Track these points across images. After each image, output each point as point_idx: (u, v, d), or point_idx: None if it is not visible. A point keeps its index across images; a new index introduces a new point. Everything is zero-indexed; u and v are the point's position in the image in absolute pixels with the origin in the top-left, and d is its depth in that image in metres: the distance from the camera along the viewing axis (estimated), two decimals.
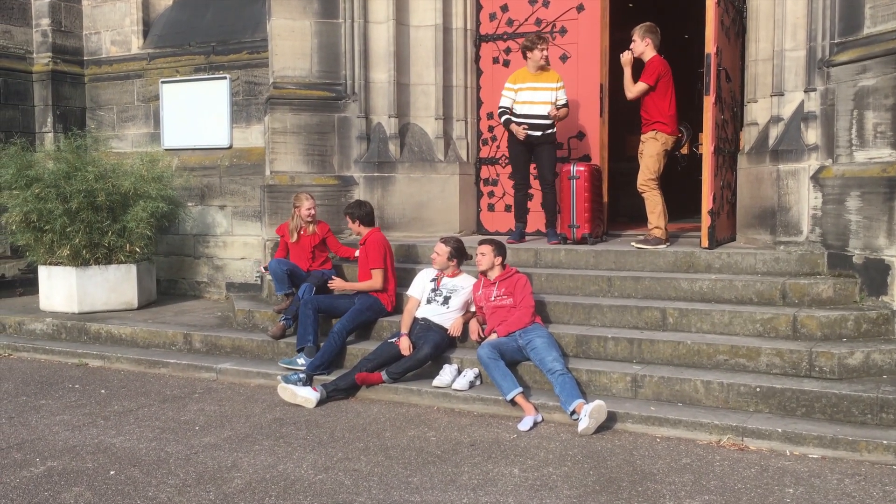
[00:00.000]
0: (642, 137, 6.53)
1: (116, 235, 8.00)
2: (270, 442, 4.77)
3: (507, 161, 8.08)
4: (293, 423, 5.14)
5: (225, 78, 8.91)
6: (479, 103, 8.30)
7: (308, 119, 7.80)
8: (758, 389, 4.75)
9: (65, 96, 9.68)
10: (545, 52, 6.98)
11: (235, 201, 8.88)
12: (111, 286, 8.04)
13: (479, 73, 8.27)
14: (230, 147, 8.96)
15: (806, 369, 4.90)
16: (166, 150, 9.25)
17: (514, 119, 7.05)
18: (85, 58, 9.90)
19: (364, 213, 6.58)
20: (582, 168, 6.90)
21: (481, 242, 5.75)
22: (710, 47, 6.00)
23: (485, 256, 5.69)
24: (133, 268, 8.13)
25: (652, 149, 6.38)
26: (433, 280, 6.00)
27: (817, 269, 5.73)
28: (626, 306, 5.71)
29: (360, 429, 4.99)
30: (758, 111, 6.51)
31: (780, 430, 4.42)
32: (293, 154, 7.79)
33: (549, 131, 7.15)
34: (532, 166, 7.54)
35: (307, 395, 5.46)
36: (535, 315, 5.58)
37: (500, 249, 5.70)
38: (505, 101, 7.10)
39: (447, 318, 5.83)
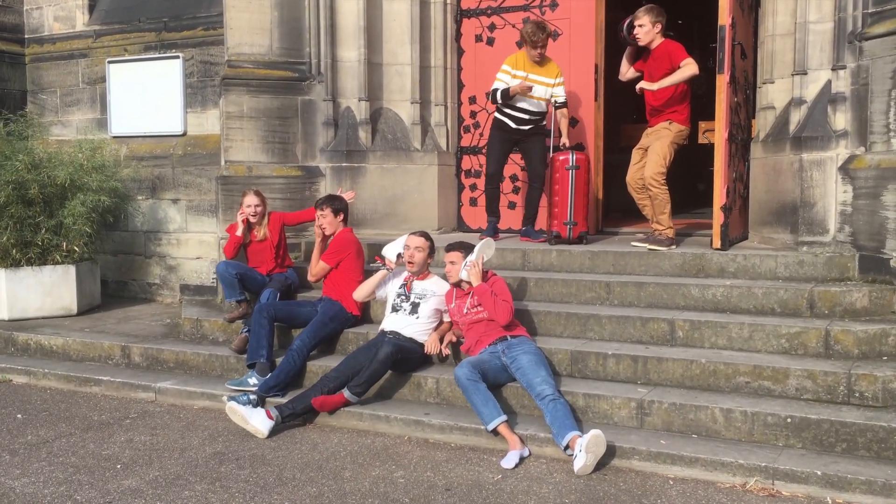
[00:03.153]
0: (650, 128, 5.76)
1: (51, 233, 7.12)
2: (204, 486, 3.94)
3: None
4: (236, 459, 4.31)
5: (178, 57, 8.03)
6: (461, 86, 7.49)
7: (268, 102, 6.95)
8: (788, 420, 3.97)
9: (3, 78, 8.74)
10: (540, 51, 6.30)
11: (190, 194, 8.01)
12: (46, 290, 7.16)
13: (460, 52, 7.45)
14: (184, 134, 8.08)
15: (844, 395, 4.13)
16: (114, 137, 8.36)
17: (505, 111, 6.36)
18: (26, 36, 8.97)
19: (346, 208, 5.86)
20: (581, 157, 6.11)
21: (449, 248, 4.97)
22: (725, 18, 5.21)
23: (455, 266, 4.91)
24: (71, 269, 7.25)
25: (664, 140, 5.60)
26: (402, 284, 5.19)
27: (847, 275, 4.98)
28: (628, 317, 4.93)
29: (314, 466, 4.17)
30: (775, 93, 5.74)
31: (818, 471, 3.65)
32: (251, 141, 6.94)
33: (542, 123, 6.48)
34: (517, 157, 6.78)
35: (258, 426, 4.62)
36: (517, 324, 4.79)
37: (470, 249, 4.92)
38: (498, 85, 6.33)
39: (419, 330, 5.02)
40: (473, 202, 7.44)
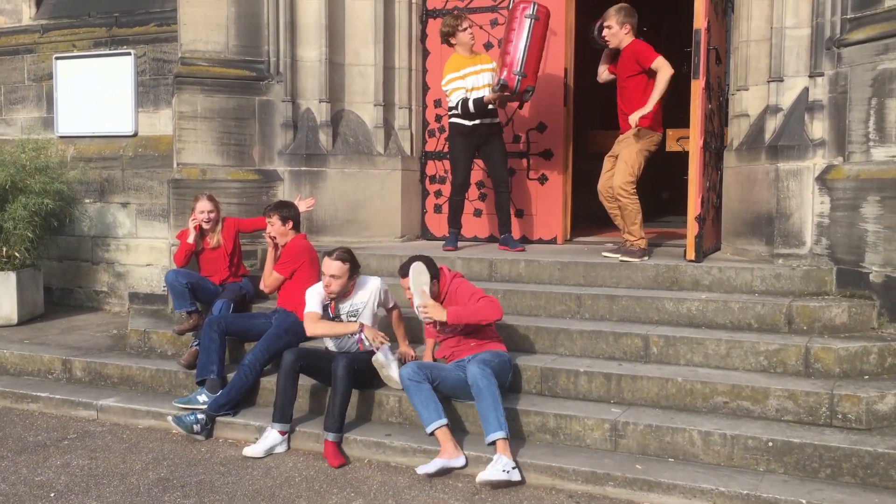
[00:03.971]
0: (622, 135, 5.53)
1: None
2: None
3: None
4: (181, 486, 3.98)
5: (129, 54, 7.64)
6: (426, 88, 7.23)
7: (223, 102, 6.61)
8: (770, 444, 3.78)
9: None
10: (471, 31, 6.09)
11: (141, 198, 7.62)
12: None
13: (425, 53, 7.19)
14: (135, 135, 7.69)
15: (826, 416, 3.95)
16: (60, 137, 7.93)
17: (458, 112, 6.12)
18: None
19: (296, 215, 5.49)
20: (543, 9, 5.84)
21: (403, 272, 4.47)
22: (701, 21, 5.03)
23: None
24: (11, 276, 6.82)
25: (634, 147, 5.38)
26: (325, 306, 4.73)
27: (825, 289, 4.81)
28: (600, 332, 4.70)
29: (266, 495, 3.86)
30: (749, 100, 5.57)
31: (803, 500, 3.46)
32: (205, 143, 6.59)
33: (497, 120, 6.24)
34: (479, 162, 6.52)
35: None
36: (493, 335, 4.53)
37: (431, 271, 4.48)
38: (462, 94, 6.06)
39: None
40: (438, 209, 7.18)
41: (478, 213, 6.99)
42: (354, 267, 4.69)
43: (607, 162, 5.63)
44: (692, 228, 5.17)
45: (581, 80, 6.99)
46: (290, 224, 5.41)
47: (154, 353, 5.73)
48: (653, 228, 8.01)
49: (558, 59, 6.65)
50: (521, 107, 6.40)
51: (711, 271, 5.01)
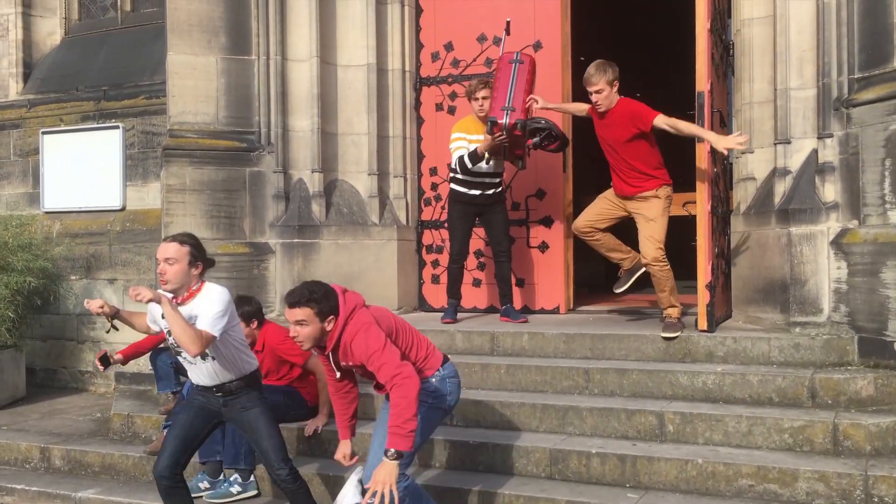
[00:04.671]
0: (633, 196, 5.09)
1: None
2: None
3: None
4: None
5: (117, 127, 7.51)
6: (420, 157, 7.08)
7: (213, 174, 6.43)
8: None
9: None
10: (486, 102, 5.86)
11: (128, 273, 7.38)
12: None
13: (419, 121, 7.07)
14: (123, 209, 7.50)
15: (861, 499, 3.66)
16: (46, 212, 7.74)
17: (459, 178, 5.96)
18: None
19: (259, 309, 4.99)
20: (526, 56, 5.75)
21: (293, 304, 3.38)
22: (703, 84, 4.90)
23: (303, 328, 3.40)
24: None
25: (660, 206, 4.99)
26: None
27: (847, 358, 4.56)
28: (612, 409, 4.43)
29: None
30: (755, 163, 5.42)
31: None
32: (194, 216, 6.39)
33: (501, 189, 6.09)
34: (480, 231, 6.33)
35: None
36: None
37: (326, 302, 3.43)
38: (461, 152, 5.92)
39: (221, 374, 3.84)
40: (436, 279, 6.94)
41: (477, 282, 6.76)
42: (198, 256, 3.82)
43: (602, 202, 5.28)
44: (703, 297, 4.94)
45: (579, 146, 6.86)
46: (255, 323, 4.88)
47: (138, 439, 5.41)
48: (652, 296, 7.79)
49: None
50: (522, 166, 6.03)
51: (726, 342, 4.76)
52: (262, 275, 6.48)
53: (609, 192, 5.28)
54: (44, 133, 7.79)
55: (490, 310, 6.64)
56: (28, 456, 5.40)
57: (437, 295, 6.91)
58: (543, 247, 6.60)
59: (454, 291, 6.17)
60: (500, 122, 5.45)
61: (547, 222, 6.62)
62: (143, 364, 7.11)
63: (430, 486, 4.15)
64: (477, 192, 5.95)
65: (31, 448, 5.40)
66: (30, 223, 7.04)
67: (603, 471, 4.10)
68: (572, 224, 5.32)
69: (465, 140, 5.94)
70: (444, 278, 6.83)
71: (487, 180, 5.96)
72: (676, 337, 4.85)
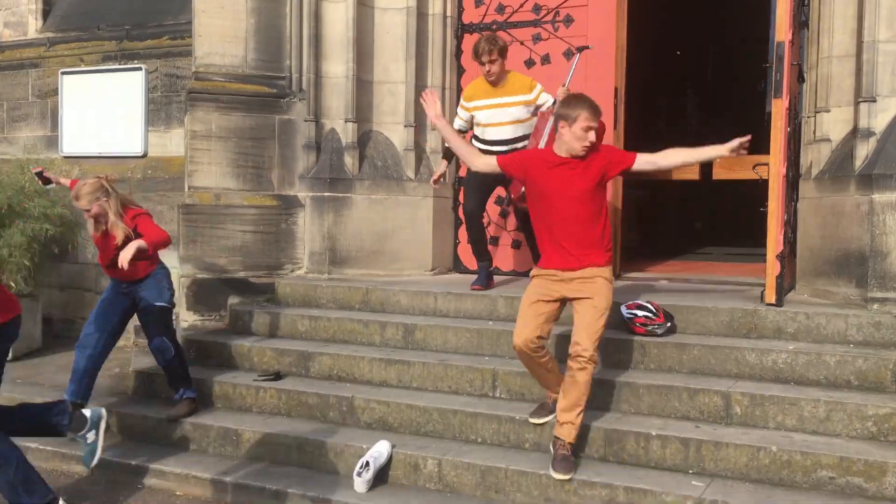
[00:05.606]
0: (573, 271, 3.79)
1: None
2: None
3: None
4: None
5: (140, 69, 7.12)
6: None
7: (240, 121, 6.06)
8: None
9: None
10: (492, 66, 5.25)
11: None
12: None
13: (460, 70, 6.63)
14: (144, 155, 7.15)
15: None
16: (65, 157, 7.40)
17: (476, 145, 5.27)
18: None
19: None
20: None
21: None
22: (784, 33, 4.43)
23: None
24: None
25: (607, 289, 3.79)
26: None
27: None
28: (672, 386, 4.06)
29: None
30: (831, 123, 4.96)
31: None
32: (219, 165, 6.03)
33: (525, 145, 5.27)
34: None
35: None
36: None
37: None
38: (457, 123, 5.50)
39: None
40: None
41: (516, 244, 6.37)
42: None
43: (535, 302, 3.83)
44: (773, 268, 4.53)
45: (633, 102, 6.40)
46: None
47: (158, 399, 5.10)
48: (700, 262, 7.42)
49: (607, 80, 6.04)
50: None
51: (797, 317, 4.35)
52: (290, 229, 6.13)
53: (537, 283, 3.89)
54: (63, 73, 7.41)
55: (495, 272, 6.23)
56: None
57: (472, 256, 6.53)
58: None
59: (480, 252, 5.63)
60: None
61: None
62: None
63: (473, 465, 3.84)
64: (496, 150, 5.20)
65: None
66: (48, 167, 6.67)
67: (663, 454, 3.75)
68: (513, 344, 3.81)
69: (465, 111, 5.46)
70: None
71: (504, 147, 5.23)
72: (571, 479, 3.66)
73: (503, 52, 5.32)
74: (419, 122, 6.42)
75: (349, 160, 6.19)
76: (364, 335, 5.11)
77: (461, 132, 5.39)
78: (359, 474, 3.89)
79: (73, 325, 7.35)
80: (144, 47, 7.22)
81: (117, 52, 7.32)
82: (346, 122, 6.21)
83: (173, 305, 4.87)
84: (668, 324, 4.45)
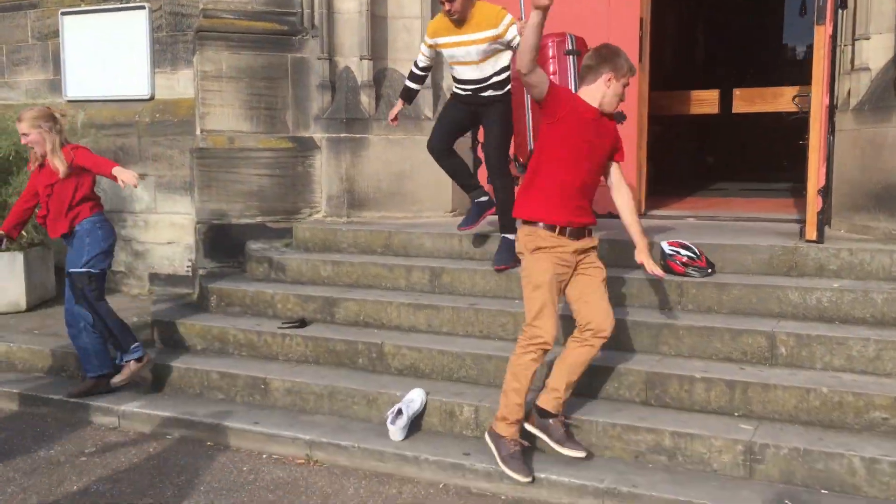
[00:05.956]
0: (578, 241, 3.49)
1: None
2: None
3: None
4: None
5: (143, 7, 6.82)
6: None
7: (251, 60, 5.83)
8: None
9: None
10: (453, 5, 4.44)
11: (160, 169, 6.87)
12: None
13: None
14: (151, 98, 6.91)
15: None
16: (69, 101, 7.16)
17: (455, 88, 4.80)
18: None
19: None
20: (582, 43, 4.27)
21: None
22: None
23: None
24: (18, 257, 6.12)
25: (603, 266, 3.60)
26: None
27: None
28: (713, 328, 3.94)
29: None
30: (871, 51, 4.75)
31: None
32: (231, 107, 5.82)
33: (500, 92, 4.62)
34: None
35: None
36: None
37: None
38: (420, 60, 4.91)
39: None
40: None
41: None
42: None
43: (556, 289, 3.44)
44: (814, 203, 4.38)
45: (659, 33, 6.15)
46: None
47: (181, 348, 5.01)
48: (720, 199, 7.26)
49: (632, 9, 5.80)
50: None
51: (840, 254, 4.22)
52: (306, 172, 5.96)
53: (549, 259, 3.40)
54: (63, 14, 7.12)
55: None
56: (63, 363, 5.04)
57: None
58: None
59: (464, 186, 4.99)
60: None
61: (619, 117, 5.97)
62: (178, 265, 6.75)
63: None
64: (466, 92, 4.73)
65: (67, 355, 5.03)
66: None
67: (708, 397, 3.66)
68: (542, 341, 3.38)
69: (427, 47, 4.81)
70: None
71: (476, 86, 4.67)
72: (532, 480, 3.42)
73: None
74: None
75: (365, 99, 5.98)
76: (389, 280, 4.99)
77: (425, 69, 4.92)
78: (392, 422, 3.81)
79: None
80: None
81: None
82: (360, 59, 5.98)
83: (101, 270, 4.54)
84: (710, 270, 4.31)
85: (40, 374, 5.10)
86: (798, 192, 7.16)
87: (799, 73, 7.66)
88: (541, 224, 3.42)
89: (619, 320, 4.10)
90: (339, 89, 5.99)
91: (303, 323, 4.83)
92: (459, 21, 4.55)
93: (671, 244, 4.40)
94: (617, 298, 4.38)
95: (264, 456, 3.95)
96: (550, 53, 4.16)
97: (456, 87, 4.83)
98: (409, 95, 5.04)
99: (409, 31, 6.15)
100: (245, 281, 5.43)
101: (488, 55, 4.59)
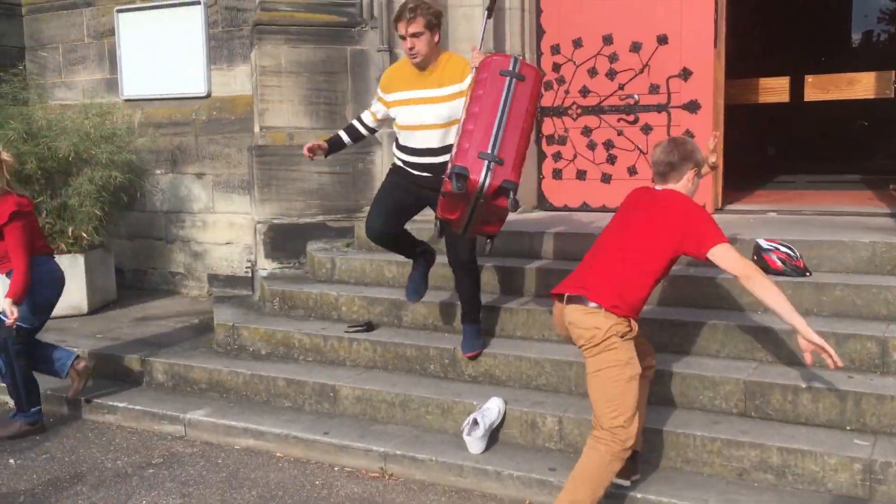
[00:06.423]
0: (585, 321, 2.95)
1: (55, 216, 5.93)
2: None
3: (578, 112, 5.98)
4: None
5: (199, 3, 6.71)
6: (541, 33, 6.13)
7: (310, 54, 5.67)
8: None
9: None
10: (416, 42, 3.68)
11: (217, 167, 6.76)
12: None
13: None
14: (208, 95, 6.80)
15: None
16: (126, 100, 7.10)
17: (397, 155, 4.02)
18: None
19: None
20: (529, 68, 3.49)
21: None
22: None
23: None
24: (80, 259, 6.06)
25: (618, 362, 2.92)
26: None
27: None
28: (818, 332, 3.64)
29: None
30: None
31: None
32: (291, 102, 5.68)
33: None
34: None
35: None
36: None
37: None
38: (365, 118, 4.12)
39: None
40: (557, 174, 6.13)
41: (606, 178, 5.93)
42: None
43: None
44: None
45: (737, 14, 5.82)
46: None
47: (245, 353, 4.88)
48: (793, 192, 6.90)
49: None
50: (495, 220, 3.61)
51: None
52: (366, 169, 5.79)
53: (631, 348, 2.95)
54: (118, 11, 7.05)
55: (584, 207, 5.90)
56: (129, 369, 4.94)
57: (558, 191, 6.13)
58: (647, 129, 5.71)
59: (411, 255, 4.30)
60: (472, 177, 3.21)
61: (692, 107, 5.68)
62: (236, 266, 6.65)
63: None
64: (414, 172, 3.93)
65: (131, 360, 4.93)
66: (111, 112, 6.41)
67: (816, 409, 3.37)
68: (625, 447, 2.86)
69: (380, 101, 3.99)
70: (567, 172, 6.08)
71: (426, 159, 3.85)
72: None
73: (432, 23, 3.72)
74: (497, 48, 5.94)
75: None
76: None
77: (369, 130, 4.13)
78: (468, 433, 3.61)
79: (143, 275, 7.18)
80: None
81: None
82: None
83: (30, 323, 4.13)
84: (807, 273, 4.02)
85: (104, 379, 4.99)
86: (874, 184, 6.79)
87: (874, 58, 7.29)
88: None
89: (709, 324, 3.87)
90: None
91: (370, 326, 4.65)
92: (422, 67, 3.74)
93: (768, 240, 4.11)
94: (704, 300, 4.12)
95: (336, 468, 3.78)
96: (483, 75, 3.39)
97: (403, 162, 3.95)
98: (335, 145, 4.11)
99: (470, 21, 5.91)
100: (308, 282, 5.27)
101: (449, 120, 3.74)
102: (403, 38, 3.70)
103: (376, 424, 4.03)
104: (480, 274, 4.25)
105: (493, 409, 3.71)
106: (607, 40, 5.77)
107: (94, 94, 7.13)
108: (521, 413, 3.70)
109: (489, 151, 3.26)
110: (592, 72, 5.86)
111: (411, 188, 3.95)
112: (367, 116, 4.11)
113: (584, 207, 5.97)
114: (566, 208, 6.04)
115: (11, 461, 3.98)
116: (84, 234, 6.02)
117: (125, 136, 6.37)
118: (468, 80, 3.58)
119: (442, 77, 3.76)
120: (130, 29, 7.04)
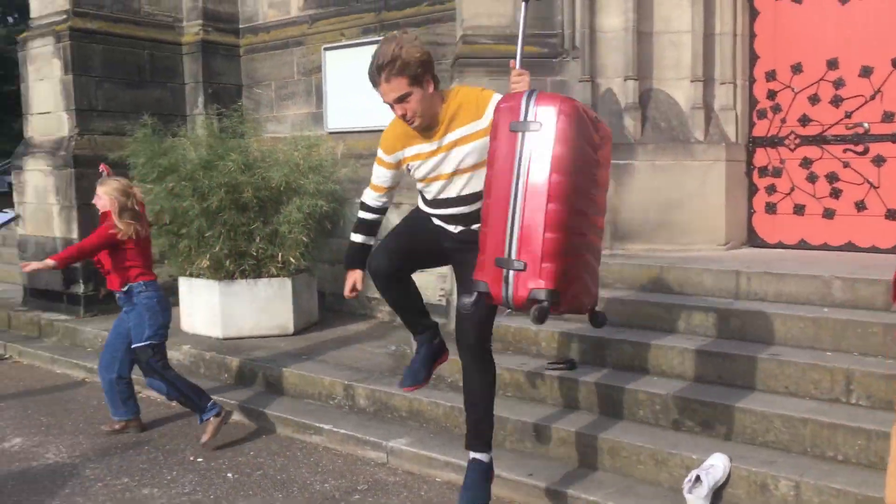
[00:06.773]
0: None
1: (266, 242, 6.27)
2: None
3: (796, 142, 5.57)
4: None
5: None
6: (754, 58, 5.79)
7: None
8: None
9: (217, 71, 8.11)
10: (406, 107, 3.13)
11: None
12: (261, 306, 6.32)
13: (753, 13, 5.76)
14: None
15: None
16: (330, 132, 7.45)
17: (429, 212, 3.41)
18: (240, 25, 8.30)
19: None
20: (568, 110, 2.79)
21: None
22: None
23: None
24: (287, 282, 6.37)
25: None
26: None
27: None
28: None
29: None
30: None
31: None
32: None
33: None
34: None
35: None
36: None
37: None
38: (368, 198, 3.64)
39: None
40: (770, 208, 5.73)
41: (829, 213, 5.45)
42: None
43: None
44: None
45: None
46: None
47: (443, 383, 4.87)
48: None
49: (887, 42, 4.95)
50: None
51: None
52: None
53: None
54: (325, 49, 7.43)
55: (801, 245, 5.44)
56: (332, 392, 5.10)
57: (771, 227, 5.72)
58: (879, 160, 5.17)
59: (414, 325, 3.85)
60: (492, 292, 2.68)
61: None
62: (430, 294, 6.68)
63: (844, 491, 3.16)
64: (445, 223, 3.35)
65: (335, 384, 5.09)
66: (317, 144, 6.73)
67: None
68: None
69: (382, 165, 3.48)
70: (781, 207, 5.68)
71: (458, 211, 3.26)
72: None
73: (418, 74, 3.09)
74: (706, 77, 5.67)
75: (630, 122, 5.60)
76: (666, 321, 4.54)
77: (379, 210, 3.60)
78: (690, 491, 3.36)
79: (342, 299, 7.37)
80: (403, 16, 7.02)
81: (376, 23, 7.20)
82: (625, 79, 5.61)
83: (160, 339, 4.64)
84: None
85: (309, 401, 5.19)
86: None
87: None
88: None
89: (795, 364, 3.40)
90: (600, 112, 5.62)
91: (571, 365, 4.51)
92: (428, 127, 3.15)
93: None
94: (795, 339, 3.64)
95: None
96: (496, 126, 2.79)
97: (430, 212, 3.38)
98: (369, 230, 3.63)
99: (677, 47, 5.69)
100: (505, 315, 5.21)
101: (478, 164, 3.08)
102: (392, 105, 3.09)
103: (584, 469, 3.86)
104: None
105: (717, 465, 3.44)
106: (832, 65, 5.36)
107: (301, 127, 7.53)
108: (749, 472, 3.40)
109: (505, 256, 2.61)
110: (814, 99, 5.45)
111: (432, 236, 3.37)
112: (370, 197, 3.56)
113: (802, 245, 5.53)
114: (780, 245, 5.63)
115: (230, 475, 4.19)
116: (292, 259, 6.32)
117: (330, 166, 6.65)
118: (489, 111, 3.02)
119: (459, 119, 3.14)
120: (336, 65, 7.39)
